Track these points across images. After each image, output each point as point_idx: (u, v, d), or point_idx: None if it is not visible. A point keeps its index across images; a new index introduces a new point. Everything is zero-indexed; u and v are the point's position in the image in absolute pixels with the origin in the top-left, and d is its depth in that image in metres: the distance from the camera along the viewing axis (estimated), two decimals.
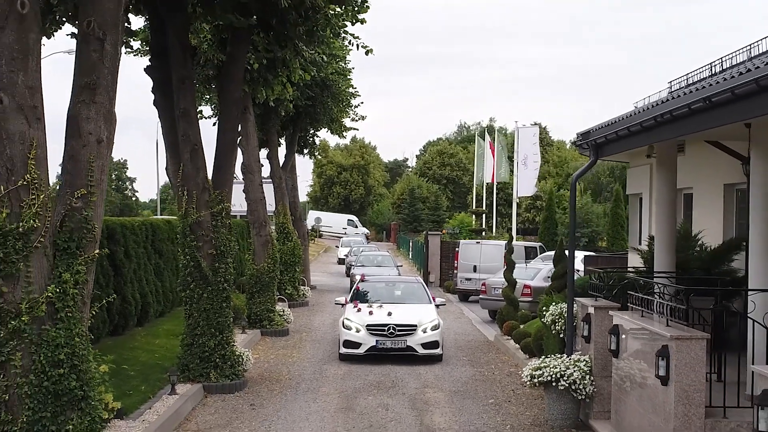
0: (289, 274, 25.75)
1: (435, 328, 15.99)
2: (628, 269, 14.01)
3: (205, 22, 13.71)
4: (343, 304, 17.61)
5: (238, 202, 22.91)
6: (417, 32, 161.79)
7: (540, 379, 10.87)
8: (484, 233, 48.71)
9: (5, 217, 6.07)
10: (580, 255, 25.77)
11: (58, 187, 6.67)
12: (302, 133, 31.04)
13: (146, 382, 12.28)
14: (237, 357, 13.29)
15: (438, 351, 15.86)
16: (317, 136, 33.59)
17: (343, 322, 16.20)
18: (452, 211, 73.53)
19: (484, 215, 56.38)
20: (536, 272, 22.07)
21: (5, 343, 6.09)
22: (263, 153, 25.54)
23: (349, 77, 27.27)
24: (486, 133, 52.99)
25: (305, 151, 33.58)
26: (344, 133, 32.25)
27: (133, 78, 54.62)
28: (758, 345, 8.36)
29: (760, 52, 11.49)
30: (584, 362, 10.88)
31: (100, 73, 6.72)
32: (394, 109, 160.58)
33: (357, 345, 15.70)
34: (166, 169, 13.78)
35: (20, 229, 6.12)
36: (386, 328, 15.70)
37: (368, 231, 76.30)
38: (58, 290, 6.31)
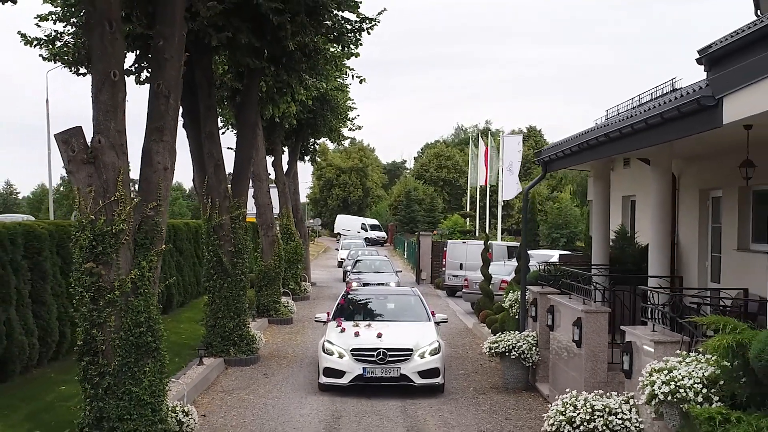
0: (292, 270, 27.54)
1: (435, 352, 12.92)
2: (565, 263, 16.54)
3: (226, 59, 16.28)
4: (324, 322, 14.39)
5: (248, 206, 25.24)
6: (417, 33, 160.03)
7: (496, 350, 13.44)
8: (477, 233, 51.34)
9: (103, 222, 8.68)
10: (555, 253, 28.50)
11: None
12: (303, 142, 32.99)
13: (178, 356, 14.75)
14: (251, 337, 15.75)
15: (439, 380, 12.89)
16: (317, 144, 35.56)
17: (323, 346, 13.18)
18: (448, 212, 75.44)
19: (475, 217, 58.83)
20: (513, 268, 24.56)
21: (103, 310, 8.69)
22: (268, 160, 27.11)
23: (347, 91, 29.74)
24: (480, 137, 55.20)
25: (306, 158, 35.54)
26: (342, 141, 34.81)
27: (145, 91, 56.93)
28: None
29: (678, 87, 14.12)
30: (531, 337, 13.42)
31: (166, 119, 9.40)
32: (394, 110, 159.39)
33: (340, 374, 12.74)
34: (193, 180, 16.38)
35: (113, 231, 8.67)
36: (375, 353, 12.70)
37: (384, 234, 76.52)
38: (138, 273, 8.90)
